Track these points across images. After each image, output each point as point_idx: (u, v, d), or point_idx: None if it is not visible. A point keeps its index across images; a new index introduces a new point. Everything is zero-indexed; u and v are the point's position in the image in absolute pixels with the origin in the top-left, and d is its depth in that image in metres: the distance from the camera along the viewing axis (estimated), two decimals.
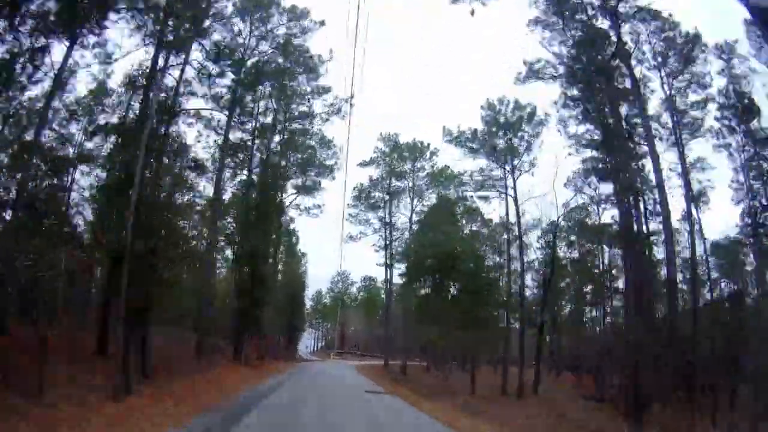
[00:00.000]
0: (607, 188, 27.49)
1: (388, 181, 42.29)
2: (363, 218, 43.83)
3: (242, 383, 16.07)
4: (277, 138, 32.49)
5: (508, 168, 32.36)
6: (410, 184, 41.25)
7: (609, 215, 29.13)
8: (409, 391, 19.19)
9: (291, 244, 44.38)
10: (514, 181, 31.84)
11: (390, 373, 33.88)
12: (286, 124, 33.11)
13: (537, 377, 27.20)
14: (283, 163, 34.36)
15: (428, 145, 40.70)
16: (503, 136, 32.57)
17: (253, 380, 17.71)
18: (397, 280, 43.39)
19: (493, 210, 34.55)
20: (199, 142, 23.43)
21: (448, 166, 38.37)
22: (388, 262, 42.95)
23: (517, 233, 30.39)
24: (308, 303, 78.90)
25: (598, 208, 31.84)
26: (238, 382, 16.42)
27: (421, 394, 18.26)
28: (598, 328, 37.17)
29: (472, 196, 34.72)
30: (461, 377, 29.89)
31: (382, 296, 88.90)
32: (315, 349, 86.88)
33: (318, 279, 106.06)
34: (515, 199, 31.10)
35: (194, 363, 19.52)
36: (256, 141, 29.32)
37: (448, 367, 36.74)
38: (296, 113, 32.26)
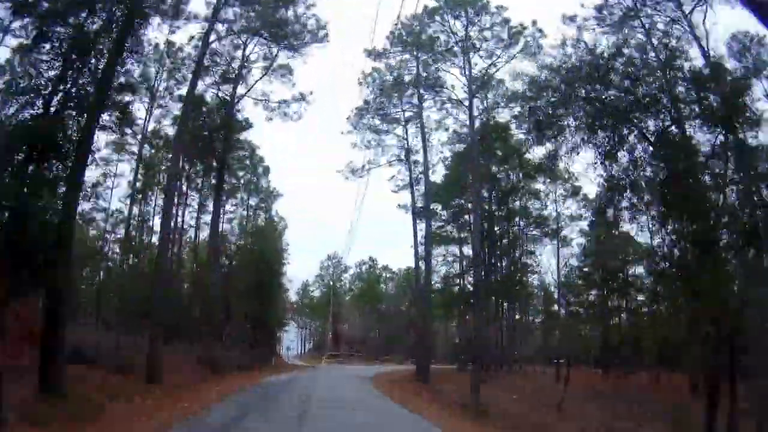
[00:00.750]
0: None
1: (415, 74, 25.45)
2: (373, 139, 27.30)
3: None
4: None
5: None
6: (464, 63, 24.07)
7: None
8: None
9: (254, 159, 27.14)
10: None
11: (449, 398, 16.86)
12: None
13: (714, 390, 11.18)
14: None
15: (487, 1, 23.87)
16: None
17: None
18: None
19: None
20: None
21: (535, 21, 22.06)
22: (418, 206, 26.37)
23: None
24: (293, 296, 62.21)
25: None
26: None
27: None
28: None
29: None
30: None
31: (382, 286, 73.21)
32: (302, 351, 73.02)
33: (304, 271, 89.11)
34: None
35: None
36: None
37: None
38: None
